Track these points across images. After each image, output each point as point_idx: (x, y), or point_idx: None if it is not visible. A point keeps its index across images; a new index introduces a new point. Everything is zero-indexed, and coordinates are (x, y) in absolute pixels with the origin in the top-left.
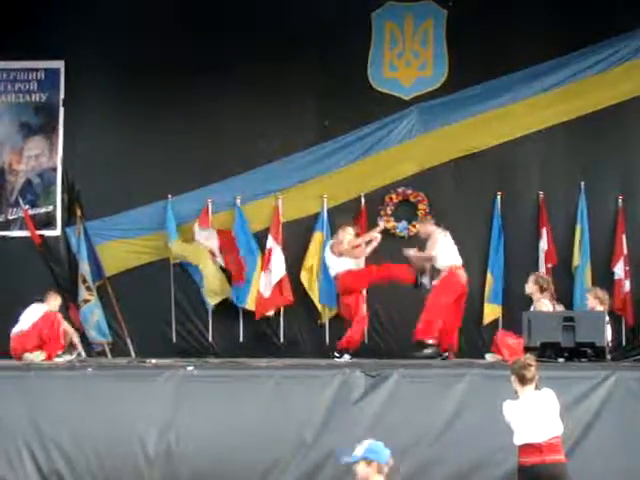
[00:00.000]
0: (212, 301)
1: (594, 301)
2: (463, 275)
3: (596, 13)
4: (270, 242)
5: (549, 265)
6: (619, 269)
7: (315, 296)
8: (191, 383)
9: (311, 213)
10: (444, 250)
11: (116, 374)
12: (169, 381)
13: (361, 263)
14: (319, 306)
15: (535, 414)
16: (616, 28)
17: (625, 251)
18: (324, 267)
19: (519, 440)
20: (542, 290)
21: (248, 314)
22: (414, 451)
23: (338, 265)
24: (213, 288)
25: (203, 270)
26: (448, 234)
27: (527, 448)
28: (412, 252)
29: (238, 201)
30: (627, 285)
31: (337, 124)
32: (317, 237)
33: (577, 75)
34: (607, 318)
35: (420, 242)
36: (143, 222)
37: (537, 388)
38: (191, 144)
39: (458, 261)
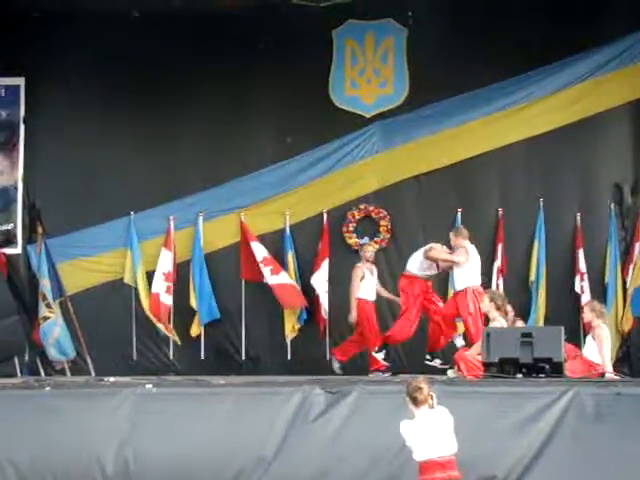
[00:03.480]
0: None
1: (590, 314)
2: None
3: (550, 36)
4: (264, 251)
5: (499, 281)
6: (577, 285)
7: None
8: (149, 401)
9: (274, 229)
10: (471, 266)
11: (74, 393)
12: (127, 399)
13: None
14: (288, 324)
15: (432, 432)
16: (571, 50)
17: (583, 268)
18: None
19: (420, 456)
20: (497, 307)
21: (210, 330)
22: (374, 469)
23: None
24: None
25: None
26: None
27: (430, 465)
28: (439, 249)
29: (200, 218)
30: (584, 301)
31: (299, 141)
32: (290, 259)
33: (534, 93)
34: (607, 332)
35: (386, 259)
36: (104, 239)
37: (431, 407)
38: (153, 160)
39: (477, 282)
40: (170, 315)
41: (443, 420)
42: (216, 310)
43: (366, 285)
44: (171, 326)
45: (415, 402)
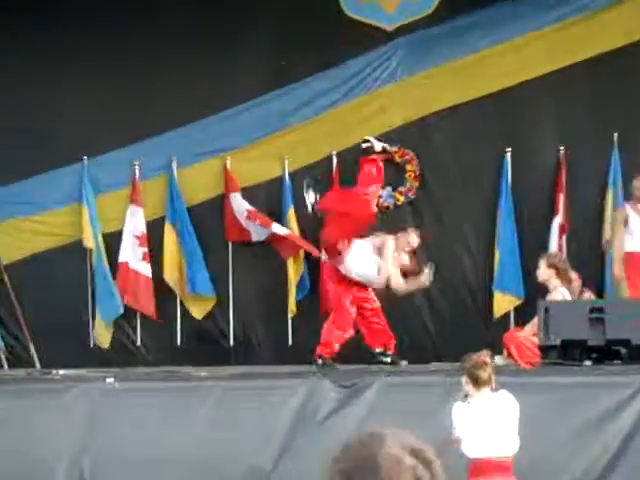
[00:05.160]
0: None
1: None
2: None
3: None
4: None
5: (562, 242)
6: None
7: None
8: (111, 399)
9: (268, 178)
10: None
11: (13, 390)
12: (82, 397)
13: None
14: (291, 300)
15: (493, 422)
16: None
17: None
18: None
19: (474, 452)
20: (559, 274)
21: (188, 310)
22: None
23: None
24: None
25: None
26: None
27: (486, 465)
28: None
29: (174, 164)
30: None
31: (300, 64)
32: (290, 215)
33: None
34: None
35: (415, 215)
36: (50, 193)
37: (494, 390)
38: (113, 90)
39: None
40: (151, 291)
41: (507, 409)
42: (209, 283)
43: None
44: (153, 309)
45: (476, 382)
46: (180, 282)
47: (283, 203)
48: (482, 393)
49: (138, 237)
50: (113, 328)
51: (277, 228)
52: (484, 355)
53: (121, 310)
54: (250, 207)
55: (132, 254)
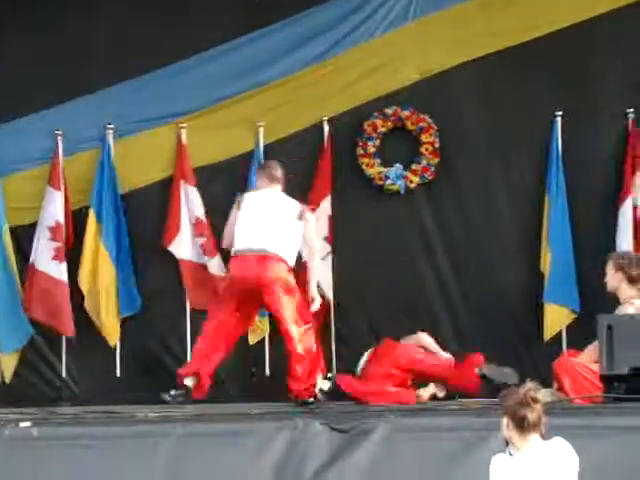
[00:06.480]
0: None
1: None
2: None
3: None
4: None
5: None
6: None
7: None
8: (28, 449)
9: (237, 153)
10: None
11: None
12: None
13: None
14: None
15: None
16: None
17: None
18: None
19: None
20: (631, 280)
21: (130, 329)
22: None
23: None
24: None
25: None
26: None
27: None
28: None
29: (109, 134)
30: None
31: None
32: None
33: None
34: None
35: (432, 201)
36: None
37: (543, 437)
38: (30, 35)
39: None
40: (67, 301)
41: (563, 461)
42: (136, 295)
43: None
44: (70, 324)
45: (522, 425)
46: (100, 297)
47: (249, 183)
48: (529, 441)
49: (51, 229)
50: (27, 354)
51: (215, 266)
52: (532, 389)
53: (30, 330)
54: (202, 216)
55: (41, 252)
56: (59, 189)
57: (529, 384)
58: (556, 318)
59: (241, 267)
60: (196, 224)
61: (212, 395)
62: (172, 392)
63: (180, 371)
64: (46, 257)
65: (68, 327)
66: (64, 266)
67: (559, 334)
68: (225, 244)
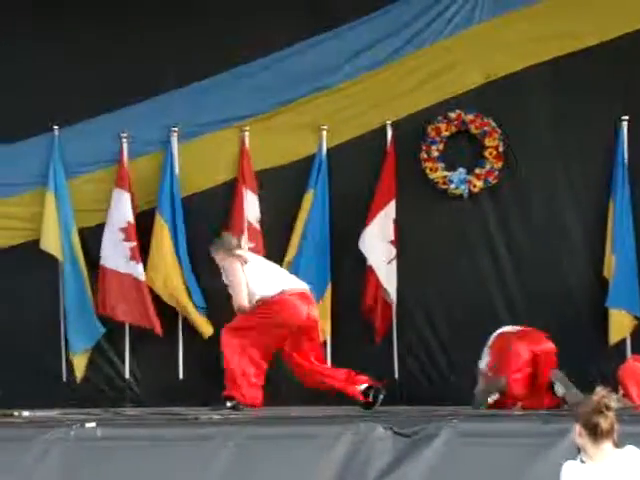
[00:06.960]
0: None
1: None
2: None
3: None
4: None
5: None
6: None
7: None
8: (92, 449)
9: (299, 157)
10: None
11: None
12: (54, 446)
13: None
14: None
15: None
16: None
17: None
18: None
19: None
20: None
21: (193, 334)
22: None
23: None
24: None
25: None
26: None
27: None
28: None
29: (174, 137)
30: None
31: (340, 3)
32: (307, 198)
33: None
34: None
35: (496, 206)
36: (7, 174)
37: (616, 446)
38: (94, 46)
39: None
40: (150, 300)
41: (637, 470)
42: (201, 296)
43: None
44: (157, 321)
45: (595, 433)
46: (177, 293)
47: (306, 186)
48: (602, 449)
49: (123, 229)
50: (92, 355)
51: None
52: (605, 396)
53: (101, 330)
54: (255, 221)
55: (114, 252)
56: (127, 190)
57: (601, 391)
58: (621, 323)
59: (298, 304)
60: (249, 228)
61: (275, 395)
62: (229, 404)
63: (242, 400)
64: (122, 258)
65: (156, 325)
66: (141, 266)
67: (623, 339)
68: (244, 304)
